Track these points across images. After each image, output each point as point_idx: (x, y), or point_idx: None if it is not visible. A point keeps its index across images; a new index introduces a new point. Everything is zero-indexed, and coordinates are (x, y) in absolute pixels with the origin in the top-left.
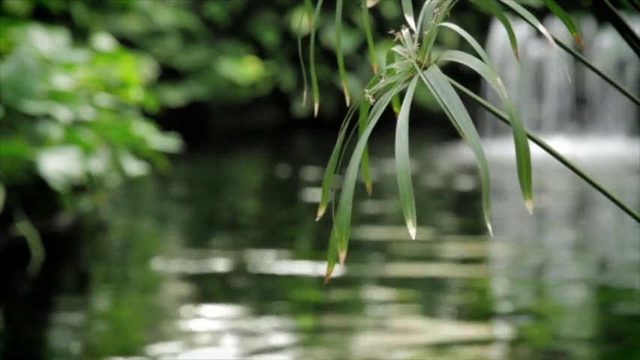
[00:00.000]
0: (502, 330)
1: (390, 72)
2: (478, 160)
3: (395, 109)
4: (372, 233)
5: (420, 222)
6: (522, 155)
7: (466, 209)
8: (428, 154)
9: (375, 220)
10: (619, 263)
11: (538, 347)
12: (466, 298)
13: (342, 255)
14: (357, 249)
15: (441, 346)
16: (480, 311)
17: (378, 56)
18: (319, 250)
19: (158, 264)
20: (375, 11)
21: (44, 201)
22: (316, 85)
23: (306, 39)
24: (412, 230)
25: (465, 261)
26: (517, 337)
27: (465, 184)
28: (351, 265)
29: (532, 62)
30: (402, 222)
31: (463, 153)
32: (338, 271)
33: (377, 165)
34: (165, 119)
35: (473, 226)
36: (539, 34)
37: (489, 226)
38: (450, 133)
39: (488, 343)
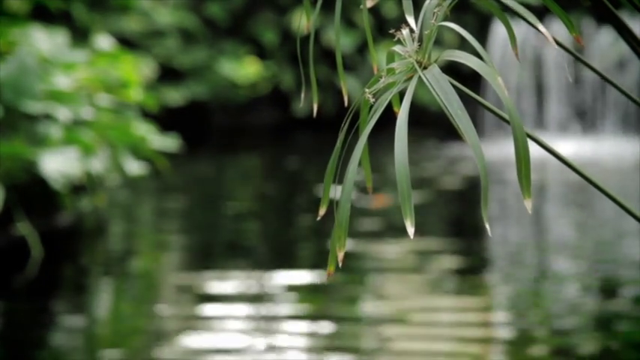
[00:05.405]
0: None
1: (390, 71)
2: (477, 160)
3: (395, 108)
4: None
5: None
6: (522, 154)
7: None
8: (424, 153)
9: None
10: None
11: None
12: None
13: (341, 253)
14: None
15: None
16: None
17: (378, 56)
18: (320, 254)
19: (158, 264)
20: (375, 11)
21: (44, 201)
22: (315, 86)
23: (305, 39)
24: (410, 230)
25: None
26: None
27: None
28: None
29: (532, 62)
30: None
31: (463, 153)
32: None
33: (378, 166)
34: (165, 119)
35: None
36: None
37: (487, 227)
38: (449, 132)
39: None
